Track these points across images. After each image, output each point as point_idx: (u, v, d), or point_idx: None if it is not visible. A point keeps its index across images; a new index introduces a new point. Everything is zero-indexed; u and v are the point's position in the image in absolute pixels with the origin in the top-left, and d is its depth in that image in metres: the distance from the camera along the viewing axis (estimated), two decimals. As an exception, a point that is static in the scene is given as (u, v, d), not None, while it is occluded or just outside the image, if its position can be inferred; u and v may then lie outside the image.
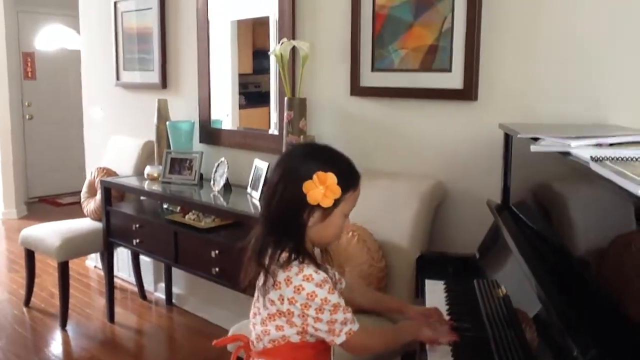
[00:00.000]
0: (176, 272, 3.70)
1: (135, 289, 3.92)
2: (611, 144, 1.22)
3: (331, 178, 1.33)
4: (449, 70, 2.29)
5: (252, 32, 3.56)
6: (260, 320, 1.41)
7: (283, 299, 1.34)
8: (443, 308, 1.71)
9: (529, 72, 2.09)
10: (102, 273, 4.18)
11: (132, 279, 3.96)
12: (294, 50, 2.78)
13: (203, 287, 3.52)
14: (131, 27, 3.86)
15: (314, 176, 1.32)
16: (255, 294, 1.45)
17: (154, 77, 3.70)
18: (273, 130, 3.15)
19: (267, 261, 1.37)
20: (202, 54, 3.36)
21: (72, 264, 3.54)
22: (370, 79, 2.56)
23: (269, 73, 3.28)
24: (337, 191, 1.34)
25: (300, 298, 1.33)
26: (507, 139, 1.93)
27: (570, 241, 1.38)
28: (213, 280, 2.81)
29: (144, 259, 3.87)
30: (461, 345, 1.48)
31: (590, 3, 1.93)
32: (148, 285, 3.92)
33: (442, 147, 2.37)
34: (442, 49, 2.30)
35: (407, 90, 2.43)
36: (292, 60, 2.82)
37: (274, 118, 3.30)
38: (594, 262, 1.22)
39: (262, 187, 1.41)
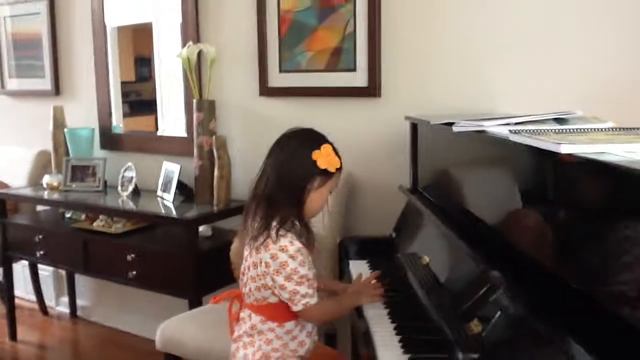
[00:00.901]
0: (80, 284, 3.61)
1: (34, 305, 3.75)
2: (516, 123, 1.45)
3: (333, 151, 1.60)
4: (354, 69, 2.49)
5: (133, 39, 3.54)
6: (249, 278, 1.59)
7: (261, 262, 1.53)
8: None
9: (426, 70, 2.34)
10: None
11: (29, 296, 3.79)
12: (199, 53, 2.85)
13: (111, 296, 3.47)
14: (16, 32, 3.71)
15: (322, 147, 1.57)
16: (246, 253, 1.62)
17: (46, 83, 3.58)
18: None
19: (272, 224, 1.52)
20: (100, 59, 3.33)
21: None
22: (278, 79, 2.70)
23: (152, 80, 3.30)
24: (338, 161, 1.60)
25: (274, 264, 1.51)
26: (414, 129, 2.15)
27: (477, 211, 1.61)
28: (130, 285, 2.80)
29: (43, 273, 3.72)
30: (395, 304, 1.68)
31: (475, 6, 2.21)
32: (49, 300, 3.77)
33: (351, 141, 2.55)
34: (346, 50, 2.50)
35: (315, 90, 2.61)
36: (198, 63, 2.89)
37: (161, 126, 3.33)
38: (498, 227, 1.45)
39: (263, 168, 1.61)
